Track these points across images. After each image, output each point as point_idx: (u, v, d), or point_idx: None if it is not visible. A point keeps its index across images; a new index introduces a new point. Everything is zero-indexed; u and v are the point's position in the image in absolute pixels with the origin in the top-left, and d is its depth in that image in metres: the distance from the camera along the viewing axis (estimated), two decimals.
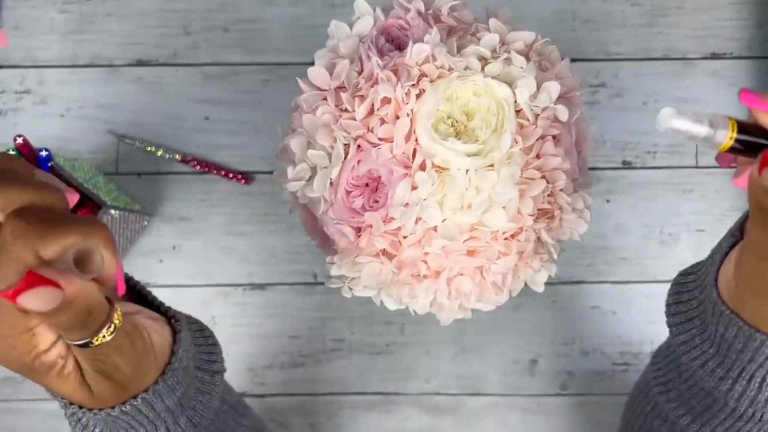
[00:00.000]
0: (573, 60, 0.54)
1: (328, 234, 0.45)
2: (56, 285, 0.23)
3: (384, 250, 0.42)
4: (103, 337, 0.27)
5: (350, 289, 0.45)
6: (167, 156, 0.68)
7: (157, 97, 0.70)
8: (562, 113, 0.42)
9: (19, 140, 0.56)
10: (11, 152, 0.56)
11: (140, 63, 0.70)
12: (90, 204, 0.59)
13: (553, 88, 0.42)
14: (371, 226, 0.41)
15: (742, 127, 0.27)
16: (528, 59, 0.43)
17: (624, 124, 0.69)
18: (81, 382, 0.29)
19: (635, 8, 0.71)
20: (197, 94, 0.70)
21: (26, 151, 0.57)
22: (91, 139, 0.69)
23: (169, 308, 0.36)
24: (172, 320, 0.35)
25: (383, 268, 0.42)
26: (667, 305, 0.38)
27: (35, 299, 0.23)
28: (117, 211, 0.58)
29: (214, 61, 0.70)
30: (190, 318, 0.37)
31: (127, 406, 0.30)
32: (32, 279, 0.23)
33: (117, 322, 0.27)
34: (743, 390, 0.34)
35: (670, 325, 0.38)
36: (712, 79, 0.70)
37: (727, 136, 0.27)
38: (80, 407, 0.30)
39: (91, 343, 0.27)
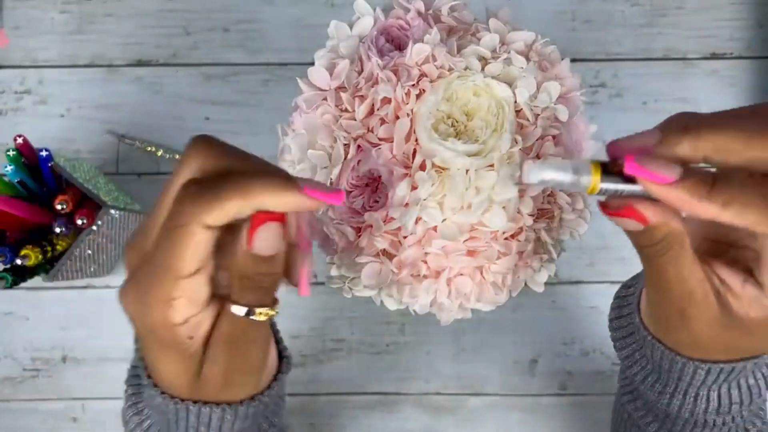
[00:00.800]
0: (573, 60, 0.54)
1: (328, 234, 0.45)
2: (282, 219, 0.26)
3: (384, 250, 0.42)
4: (265, 314, 0.28)
5: (350, 289, 0.45)
6: (167, 156, 0.68)
7: (157, 97, 0.70)
8: (562, 113, 0.42)
9: (20, 140, 0.56)
10: (11, 152, 0.56)
11: (140, 63, 0.70)
12: (90, 204, 0.59)
13: (553, 88, 0.42)
14: (371, 226, 0.41)
15: (606, 169, 0.27)
16: (528, 59, 0.43)
17: (624, 125, 0.69)
18: (196, 366, 0.29)
19: (635, 8, 0.71)
20: (197, 94, 0.70)
21: (26, 151, 0.57)
22: (91, 139, 0.70)
23: (283, 343, 0.36)
24: (284, 357, 0.35)
25: (383, 268, 0.42)
26: (609, 320, 0.38)
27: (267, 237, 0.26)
28: (117, 212, 0.58)
29: (214, 61, 0.70)
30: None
31: (203, 409, 0.30)
32: (261, 217, 0.26)
33: (277, 308, 0.29)
34: (681, 403, 0.34)
35: (612, 339, 0.38)
36: (712, 79, 0.70)
37: (591, 181, 0.27)
38: (162, 393, 0.30)
39: (253, 312, 0.28)
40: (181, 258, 0.26)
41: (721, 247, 0.32)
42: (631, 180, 0.27)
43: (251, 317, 0.28)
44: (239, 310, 0.28)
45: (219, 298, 0.29)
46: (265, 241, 0.26)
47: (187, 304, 0.27)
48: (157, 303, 0.27)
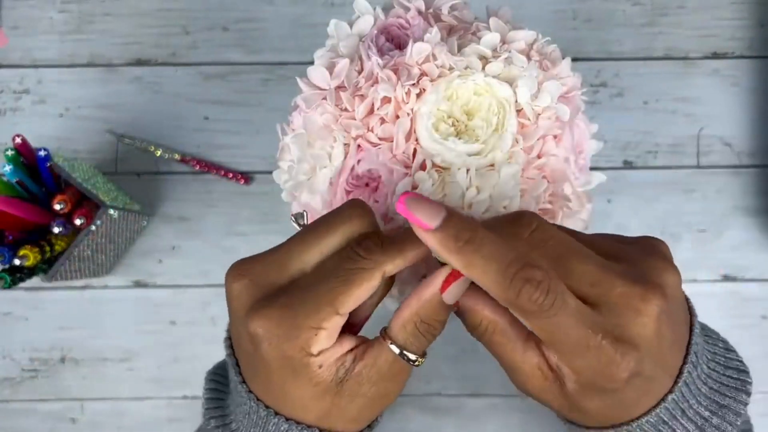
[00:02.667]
0: (574, 59, 0.54)
1: None
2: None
3: None
4: (420, 361, 0.32)
5: None
6: (166, 156, 0.68)
7: (156, 97, 0.70)
8: (563, 113, 0.42)
9: (18, 140, 0.56)
10: (10, 152, 0.55)
11: (139, 62, 0.70)
12: (89, 204, 0.59)
13: (554, 87, 0.42)
14: None
15: None
16: (529, 58, 0.42)
17: (625, 124, 0.69)
18: (330, 396, 0.30)
19: (636, 7, 0.71)
20: (196, 94, 0.70)
21: (25, 151, 0.57)
22: (90, 138, 0.69)
23: None
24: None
25: None
26: None
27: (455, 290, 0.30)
28: (116, 211, 0.58)
29: (213, 61, 0.70)
30: None
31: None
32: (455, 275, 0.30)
33: (423, 361, 0.32)
34: None
35: None
36: (714, 79, 0.70)
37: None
38: (287, 420, 0.31)
39: (405, 355, 0.31)
40: (349, 297, 0.29)
41: None
42: None
43: (407, 360, 0.31)
44: (396, 349, 0.31)
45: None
46: (456, 290, 0.30)
47: (326, 336, 0.29)
48: (307, 330, 0.29)
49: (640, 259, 0.30)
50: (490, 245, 0.27)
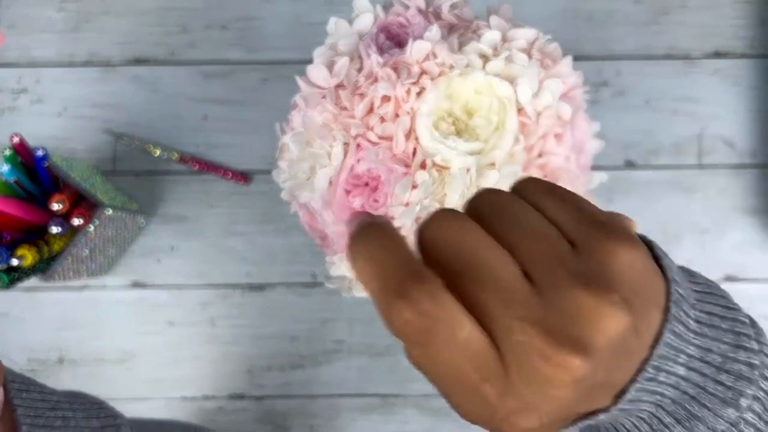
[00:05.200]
0: (575, 58, 0.53)
1: (328, 234, 0.45)
2: None
3: None
4: None
5: (350, 289, 0.44)
6: (165, 155, 0.68)
7: (154, 96, 0.69)
8: (565, 112, 0.42)
9: (16, 139, 0.55)
10: (7, 151, 0.55)
11: (138, 61, 0.70)
12: (87, 204, 0.58)
13: (555, 86, 0.41)
14: None
15: None
16: (530, 57, 0.42)
17: (626, 123, 0.69)
18: None
19: (638, 6, 0.70)
20: (195, 93, 0.69)
21: (23, 151, 0.56)
22: (88, 138, 0.69)
23: None
24: None
25: None
26: None
27: None
28: (114, 211, 0.58)
29: (212, 60, 0.70)
30: None
31: None
32: None
33: None
34: None
35: None
36: (715, 78, 0.69)
37: None
38: None
39: None
40: None
41: None
42: None
43: None
44: None
45: None
46: None
47: None
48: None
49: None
50: (382, 246, 0.19)
